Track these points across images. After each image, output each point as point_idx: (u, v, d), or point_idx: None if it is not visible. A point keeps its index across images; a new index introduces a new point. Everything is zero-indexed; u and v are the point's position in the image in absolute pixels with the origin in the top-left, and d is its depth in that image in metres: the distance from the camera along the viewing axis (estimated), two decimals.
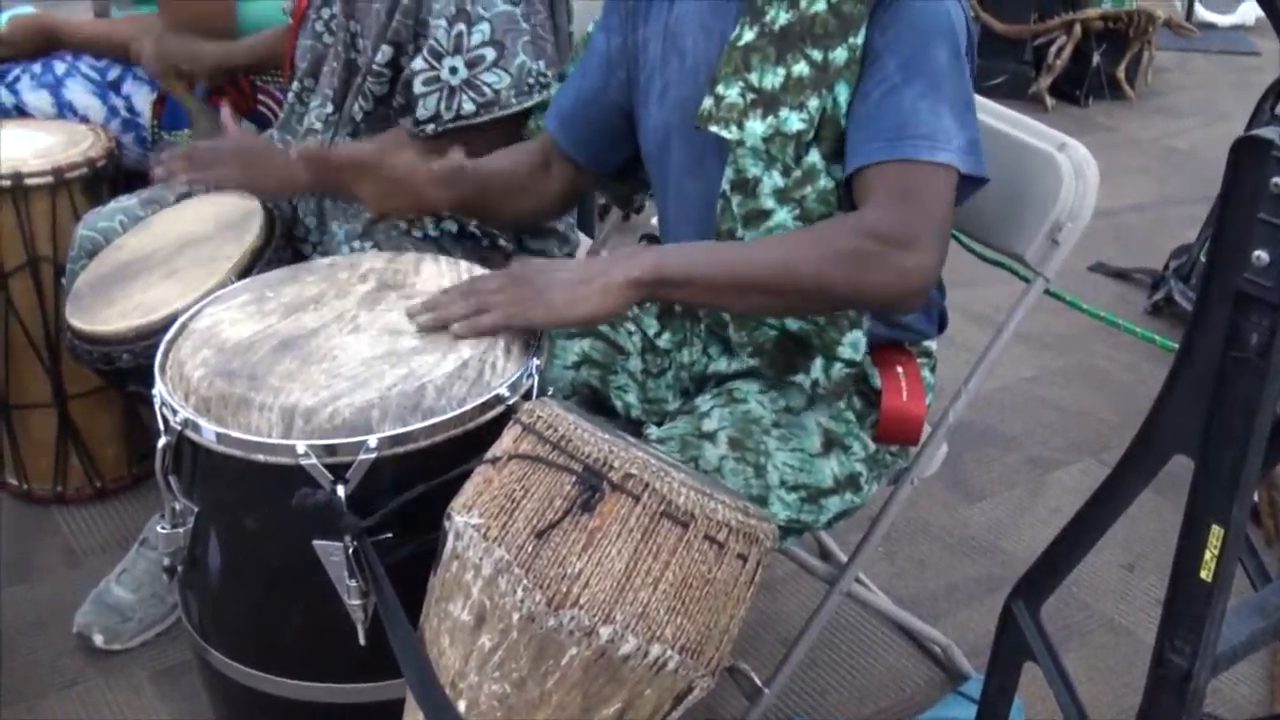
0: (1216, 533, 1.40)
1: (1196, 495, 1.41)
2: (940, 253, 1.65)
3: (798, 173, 1.73)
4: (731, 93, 1.76)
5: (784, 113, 1.72)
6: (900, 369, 1.90)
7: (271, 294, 1.72)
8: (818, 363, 1.81)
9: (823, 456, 1.83)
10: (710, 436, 1.78)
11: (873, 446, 1.89)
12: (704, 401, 1.85)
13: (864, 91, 1.68)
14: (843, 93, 1.70)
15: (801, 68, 1.71)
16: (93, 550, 2.72)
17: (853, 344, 1.78)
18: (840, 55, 1.69)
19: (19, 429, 2.82)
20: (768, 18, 1.74)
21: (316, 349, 1.57)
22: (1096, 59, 5.34)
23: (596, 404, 1.99)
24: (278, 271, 1.83)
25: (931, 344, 2.01)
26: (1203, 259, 3.64)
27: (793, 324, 1.79)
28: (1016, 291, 2.05)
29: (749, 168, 1.75)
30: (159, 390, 1.55)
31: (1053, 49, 5.29)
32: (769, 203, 1.75)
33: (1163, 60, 5.61)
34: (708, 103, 1.77)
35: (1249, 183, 1.31)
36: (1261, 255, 1.30)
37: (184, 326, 1.67)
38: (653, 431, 1.84)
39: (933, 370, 2.01)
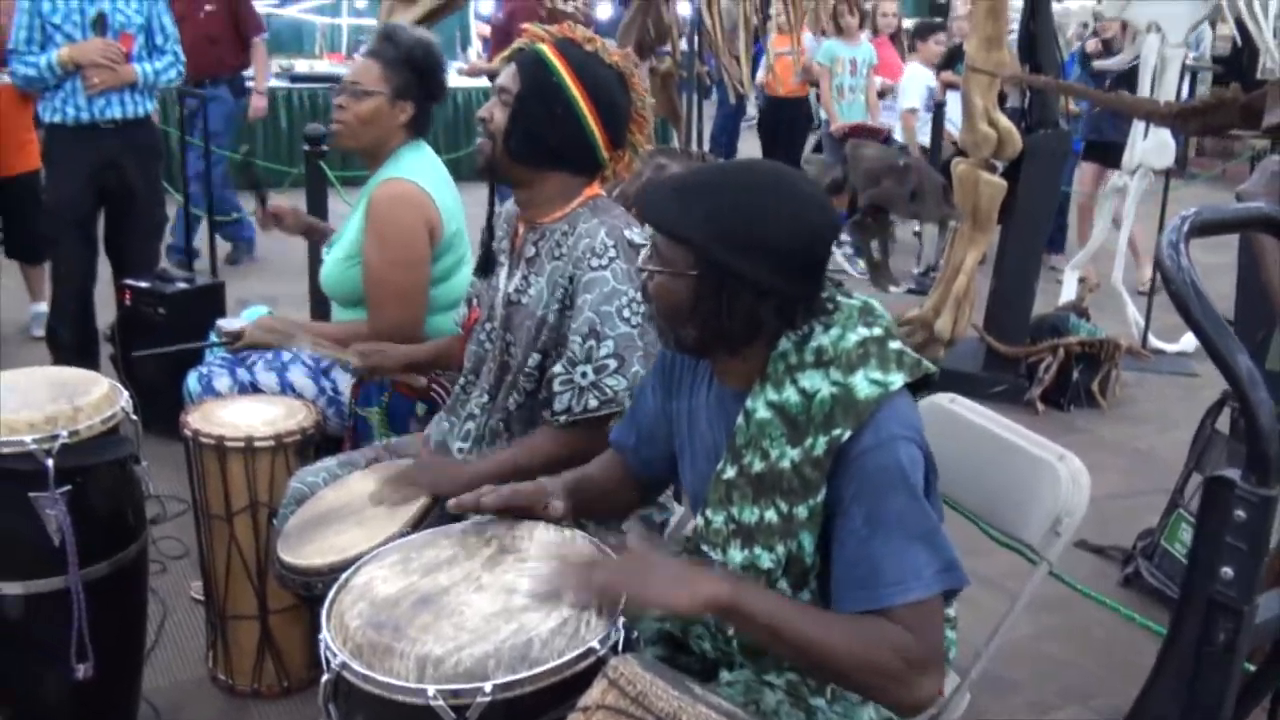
0: None
1: None
2: (944, 670, 1.61)
3: None
4: (718, 519, 1.69)
5: (758, 550, 1.65)
6: None
7: (415, 555, 1.69)
8: None
9: (863, 704, 1.72)
10: (770, 685, 1.70)
11: None
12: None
13: (840, 540, 1.58)
14: (806, 540, 1.61)
15: (771, 514, 1.63)
16: None
17: None
18: (802, 511, 1.60)
19: (231, 636, 2.80)
20: (745, 460, 1.66)
21: (447, 605, 1.54)
22: (1076, 375, 5.32)
23: (678, 646, 1.87)
24: (422, 534, 1.80)
25: (950, 611, 1.90)
26: (1163, 543, 3.56)
27: None
28: (1021, 560, 1.99)
29: None
30: (324, 636, 1.52)
31: (1042, 366, 5.29)
32: None
33: (1127, 378, 5.58)
34: (700, 523, 1.72)
35: (1218, 512, 1.28)
36: (1228, 571, 1.29)
37: (345, 582, 1.64)
38: (724, 675, 1.75)
39: (954, 629, 1.88)
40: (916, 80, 7.21)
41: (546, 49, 2.21)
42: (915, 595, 1.52)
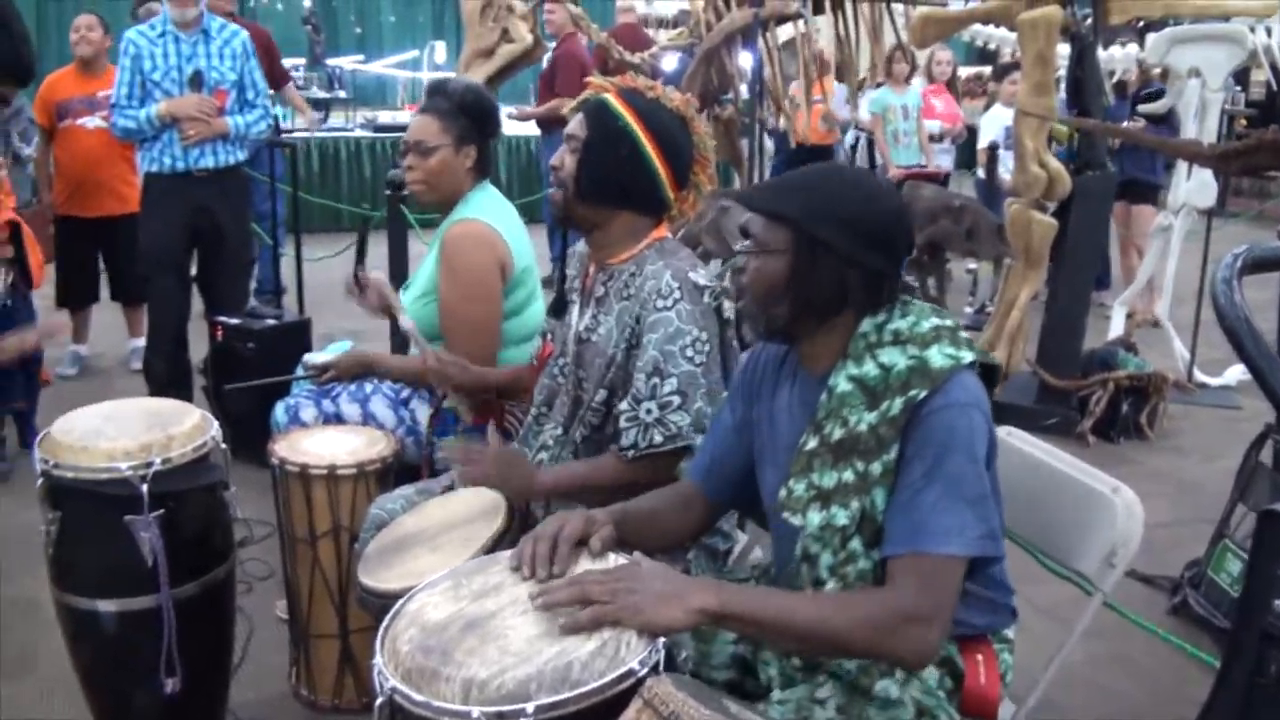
0: None
1: None
2: (947, 627, 1.60)
3: (843, 554, 1.68)
4: (799, 488, 1.73)
5: (834, 509, 1.68)
6: (980, 657, 1.76)
7: (465, 581, 1.66)
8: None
9: (918, 717, 1.68)
10: (821, 703, 1.68)
11: (958, 718, 1.73)
12: (820, 674, 1.73)
13: (897, 490, 1.63)
14: (879, 497, 1.65)
15: (849, 475, 1.67)
16: None
17: None
18: (877, 469, 1.65)
19: (313, 653, 2.80)
20: (825, 430, 1.71)
21: (493, 629, 1.51)
22: (1125, 408, 5.22)
23: (746, 669, 1.86)
24: (475, 561, 1.78)
25: (1009, 632, 1.85)
26: (1209, 573, 3.47)
27: None
28: (1071, 588, 1.98)
29: (811, 545, 1.71)
30: (377, 661, 1.50)
31: (1093, 399, 5.20)
32: (824, 574, 1.70)
33: (1173, 410, 5.46)
34: (783, 493, 1.74)
35: (1271, 546, 1.24)
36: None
37: (400, 609, 1.61)
38: (775, 694, 1.73)
39: (1011, 652, 1.84)
40: (996, 120, 7.16)
41: (611, 97, 2.25)
42: (953, 550, 1.57)
